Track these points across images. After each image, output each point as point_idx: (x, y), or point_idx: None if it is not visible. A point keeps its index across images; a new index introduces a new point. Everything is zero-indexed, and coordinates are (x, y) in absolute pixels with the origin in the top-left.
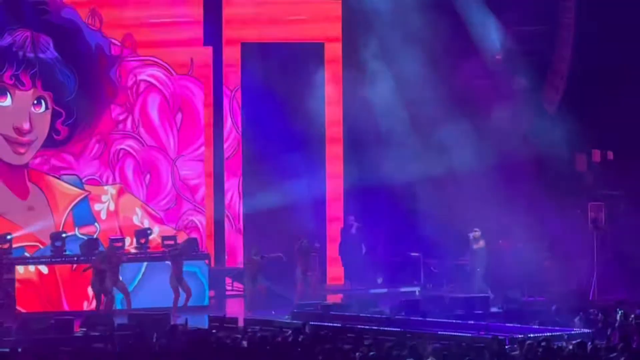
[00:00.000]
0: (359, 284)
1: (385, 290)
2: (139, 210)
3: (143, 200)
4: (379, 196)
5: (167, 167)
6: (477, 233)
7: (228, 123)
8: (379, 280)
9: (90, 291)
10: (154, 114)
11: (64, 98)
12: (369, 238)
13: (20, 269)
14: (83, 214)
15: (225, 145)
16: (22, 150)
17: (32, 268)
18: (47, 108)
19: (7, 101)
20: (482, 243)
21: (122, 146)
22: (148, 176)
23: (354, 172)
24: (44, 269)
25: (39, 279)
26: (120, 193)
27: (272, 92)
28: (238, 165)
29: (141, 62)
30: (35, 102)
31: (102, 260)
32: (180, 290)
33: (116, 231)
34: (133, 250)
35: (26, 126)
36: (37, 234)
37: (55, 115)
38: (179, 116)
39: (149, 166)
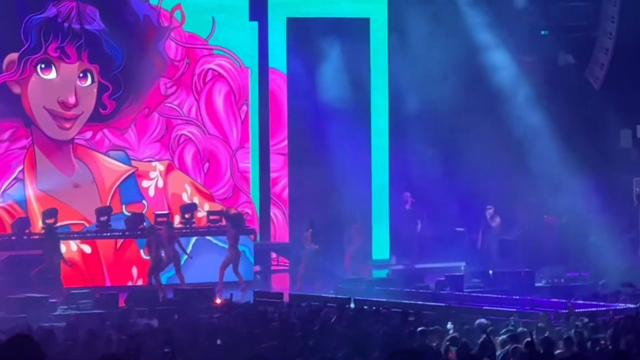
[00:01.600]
0: (406, 260)
1: (430, 265)
2: (188, 187)
3: (193, 177)
4: (425, 171)
5: (227, 157)
6: (492, 210)
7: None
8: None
9: (134, 270)
10: (219, 104)
11: (110, 71)
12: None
13: (62, 249)
14: (130, 191)
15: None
16: (67, 125)
17: (74, 247)
18: (93, 81)
19: (52, 74)
20: (498, 220)
21: (184, 132)
22: (207, 164)
23: (400, 147)
24: (86, 249)
25: (82, 259)
26: (169, 169)
27: (318, 67)
28: (284, 140)
29: (210, 51)
30: (81, 75)
31: (152, 233)
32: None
33: (165, 208)
34: (179, 226)
35: (72, 100)
36: (83, 213)
37: (101, 89)
38: (244, 108)
39: (208, 155)
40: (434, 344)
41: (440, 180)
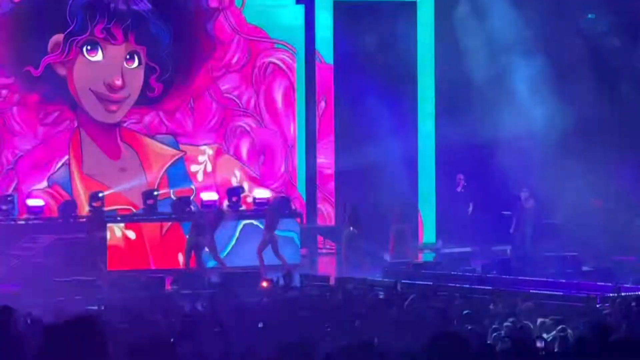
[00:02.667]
0: (453, 243)
1: (477, 248)
2: (237, 172)
3: (243, 162)
4: (471, 154)
5: (283, 152)
6: (526, 193)
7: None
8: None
9: (180, 257)
10: (278, 98)
11: (158, 52)
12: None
13: (107, 236)
14: (178, 175)
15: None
16: (113, 108)
17: (118, 233)
18: (140, 63)
19: (98, 56)
20: (532, 202)
21: (241, 123)
22: (262, 157)
23: (446, 130)
24: (131, 235)
25: (126, 246)
26: (218, 153)
27: (364, 51)
28: (330, 124)
29: (271, 44)
30: (127, 57)
31: (200, 217)
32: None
33: (217, 196)
34: (226, 210)
35: (118, 82)
36: (130, 197)
37: (148, 71)
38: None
39: (264, 147)
40: (480, 328)
41: (487, 162)
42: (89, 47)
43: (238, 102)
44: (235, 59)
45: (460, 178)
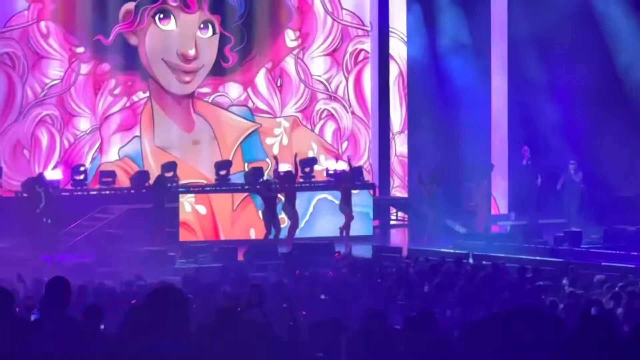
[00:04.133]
0: (525, 215)
1: (549, 221)
2: (314, 145)
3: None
4: (543, 125)
5: (366, 139)
6: (574, 165)
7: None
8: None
9: (252, 232)
10: (366, 85)
11: (232, 22)
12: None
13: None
14: (253, 148)
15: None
16: (187, 79)
17: (188, 208)
18: (214, 33)
19: (171, 25)
20: (580, 175)
21: (327, 107)
22: (346, 143)
23: (519, 102)
24: (201, 210)
25: (197, 221)
26: (294, 126)
27: (437, 26)
28: (403, 94)
29: (365, 32)
30: (201, 26)
31: (269, 189)
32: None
33: (289, 167)
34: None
35: (192, 52)
36: (202, 170)
37: (223, 41)
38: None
39: (349, 134)
40: (550, 300)
41: (558, 135)
42: (161, 16)
43: (327, 85)
44: (327, 42)
45: (525, 150)
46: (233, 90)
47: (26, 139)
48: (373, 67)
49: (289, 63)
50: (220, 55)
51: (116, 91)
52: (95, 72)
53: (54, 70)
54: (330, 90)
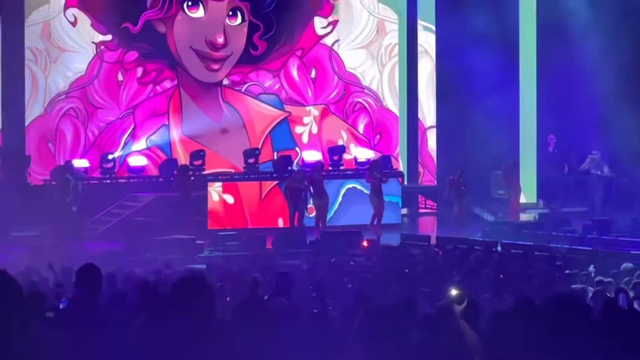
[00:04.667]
0: (554, 203)
1: (577, 209)
2: (344, 134)
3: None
4: (571, 115)
5: (397, 134)
6: (598, 155)
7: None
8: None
9: (280, 222)
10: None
11: (261, 9)
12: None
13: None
14: (282, 137)
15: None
16: (215, 67)
17: (216, 197)
18: (243, 20)
19: (200, 12)
20: (606, 170)
21: (360, 100)
22: (378, 137)
23: (548, 90)
24: (229, 199)
25: (224, 210)
26: (324, 114)
27: (466, 17)
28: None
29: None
30: (230, 13)
31: (298, 180)
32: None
33: (319, 156)
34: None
35: (220, 40)
36: (230, 159)
37: (252, 28)
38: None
39: (380, 127)
40: (579, 287)
41: (587, 123)
42: (189, 3)
43: (362, 78)
44: (363, 36)
45: (551, 138)
46: (264, 78)
47: (50, 133)
48: (401, 58)
49: (323, 55)
50: (249, 43)
51: (144, 80)
52: (123, 60)
53: (77, 64)
54: (364, 83)
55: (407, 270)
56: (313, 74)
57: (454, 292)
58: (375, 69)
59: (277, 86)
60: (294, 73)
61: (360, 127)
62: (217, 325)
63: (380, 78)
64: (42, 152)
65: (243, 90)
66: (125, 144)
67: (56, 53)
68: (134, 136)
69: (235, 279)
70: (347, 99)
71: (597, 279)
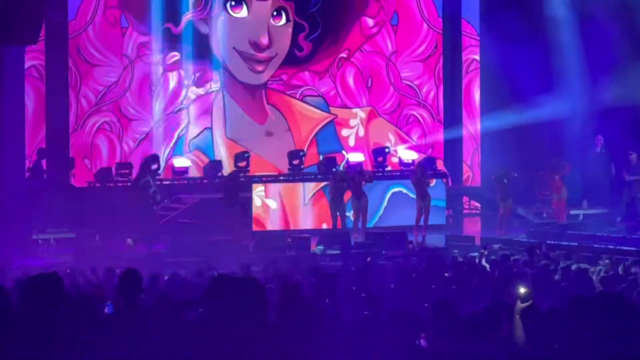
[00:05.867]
0: (598, 204)
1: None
2: (391, 136)
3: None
4: (619, 116)
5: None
6: (635, 156)
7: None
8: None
9: (324, 227)
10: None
11: (307, 9)
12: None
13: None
14: (328, 139)
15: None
16: (259, 68)
17: (258, 202)
18: (288, 20)
19: (243, 12)
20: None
21: (414, 113)
22: (430, 150)
23: (592, 90)
24: (272, 204)
25: (266, 216)
26: (370, 117)
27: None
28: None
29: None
30: (274, 13)
31: (340, 179)
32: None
33: (365, 159)
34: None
35: (264, 41)
36: (275, 163)
37: (297, 29)
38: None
39: (433, 142)
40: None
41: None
42: (232, 3)
43: (418, 91)
44: (421, 49)
45: (599, 139)
46: (319, 84)
47: (86, 148)
48: (445, 62)
49: (380, 65)
50: (294, 44)
51: (186, 82)
52: (165, 61)
53: (107, 77)
54: (420, 96)
55: (449, 272)
56: (369, 84)
57: (522, 290)
58: (432, 82)
59: (332, 92)
60: (349, 80)
61: (414, 138)
62: (269, 328)
63: (436, 92)
64: (77, 167)
65: (298, 95)
66: (183, 134)
67: (85, 68)
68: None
69: (281, 281)
70: (400, 110)
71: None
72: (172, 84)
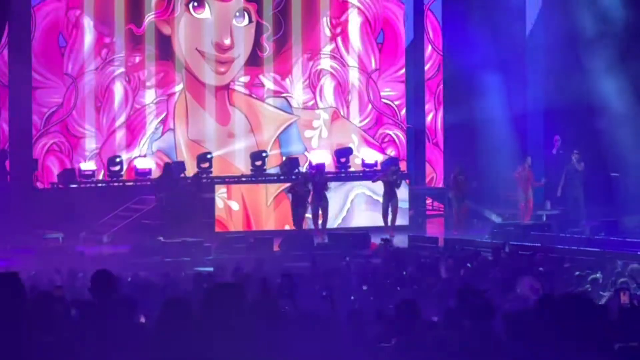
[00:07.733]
0: (560, 205)
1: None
2: (355, 137)
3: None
4: (580, 116)
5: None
6: (578, 155)
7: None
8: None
9: (287, 228)
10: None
11: (269, 10)
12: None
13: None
14: (291, 141)
15: (426, 68)
16: (222, 69)
17: (220, 204)
18: (250, 21)
19: (206, 13)
20: (582, 165)
21: (390, 132)
22: (349, 96)
23: (554, 92)
24: (234, 206)
25: (229, 217)
26: (334, 118)
27: (472, 11)
28: (438, 85)
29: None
30: (237, 14)
31: (303, 183)
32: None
33: (329, 161)
34: (333, 170)
35: (227, 42)
36: (238, 164)
37: (259, 30)
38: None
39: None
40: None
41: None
42: (195, 4)
43: (397, 111)
44: (402, 71)
45: (556, 140)
46: (270, 81)
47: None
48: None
49: (361, 80)
50: (257, 45)
51: (149, 83)
52: (126, 63)
53: (51, 99)
54: (398, 117)
55: (407, 272)
56: (350, 99)
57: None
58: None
59: (311, 102)
60: (328, 91)
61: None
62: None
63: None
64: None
65: (261, 95)
66: (156, 129)
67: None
68: (136, 141)
69: (242, 281)
70: (378, 127)
71: (620, 280)
72: (130, 87)
